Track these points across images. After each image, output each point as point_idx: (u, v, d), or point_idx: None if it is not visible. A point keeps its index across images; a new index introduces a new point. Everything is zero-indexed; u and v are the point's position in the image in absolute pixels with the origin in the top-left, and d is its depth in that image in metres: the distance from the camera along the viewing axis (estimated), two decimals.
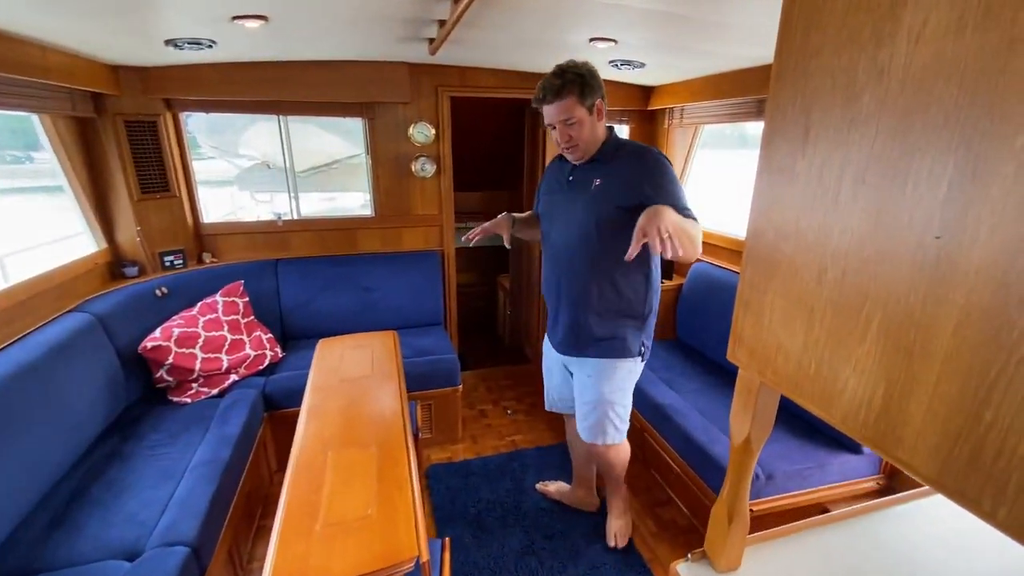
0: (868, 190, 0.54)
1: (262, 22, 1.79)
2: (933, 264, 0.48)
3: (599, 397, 1.80)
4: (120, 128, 2.42)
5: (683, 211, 1.49)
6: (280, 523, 1.25)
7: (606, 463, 2.01)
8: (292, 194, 3.08)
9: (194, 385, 2.38)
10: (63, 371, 1.87)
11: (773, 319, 0.67)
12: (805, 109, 0.60)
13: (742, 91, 2.50)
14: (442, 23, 1.89)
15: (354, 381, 1.95)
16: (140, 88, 2.45)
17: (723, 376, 2.58)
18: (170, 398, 2.34)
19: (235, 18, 1.76)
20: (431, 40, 2.22)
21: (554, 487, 2.42)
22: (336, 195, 4.59)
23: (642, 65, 2.54)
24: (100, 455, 1.93)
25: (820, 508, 2.01)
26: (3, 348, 1.77)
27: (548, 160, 3.15)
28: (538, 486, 2.44)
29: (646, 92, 3.18)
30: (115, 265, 2.55)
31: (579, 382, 1.86)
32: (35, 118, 2.12)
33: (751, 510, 1.86)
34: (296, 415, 2.44)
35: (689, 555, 0.90)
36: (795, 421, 2.16)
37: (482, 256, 6.11)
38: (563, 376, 2.01)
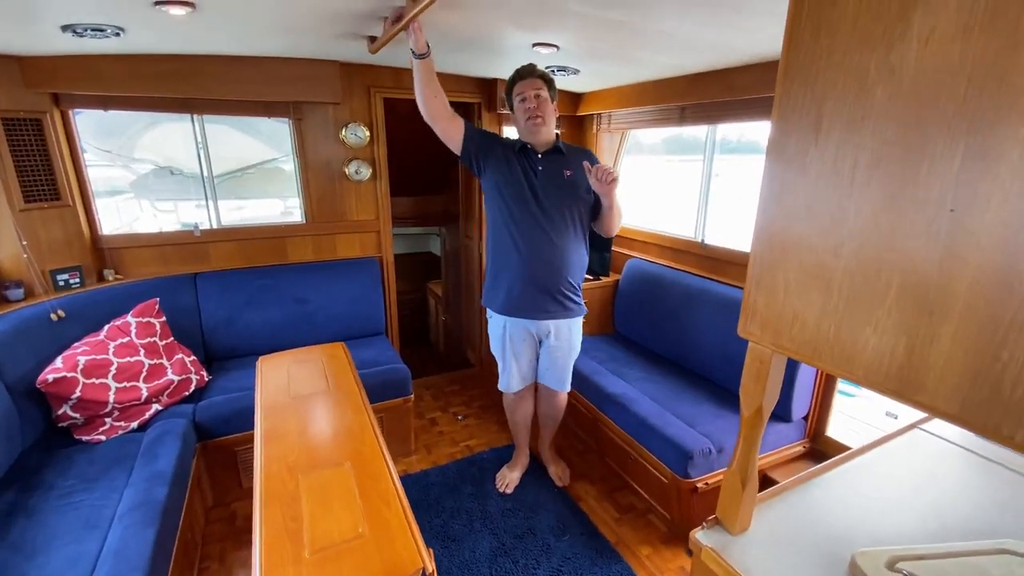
0: (882, 174, 0.62)
1: (188, 9, 1.63)
2: (948, 232, 0.57)
3: (572, 348, 2.21)
4: None
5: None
6: (261, 559, 1.14)
7: (559, 409, 2.41)
8: (210, 202, 2.80)
9: (108, 420, 2.09)
10: None
11: (788, 292, 0.75)
12: (816, 103, 0.68)
13: (666, 98, 2.70)
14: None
15: (308, 398, 1.82)
16: (20, 80, 2.10)
17: (663, 364, 2.76)
18: (78, 437, 2.02)
19: (157, 3, 1.58)
20: (372, 38, 2.14)
21: (512, 474, 2.47)
22: (246, 203, 4.24)
23: (576, 72, 2.65)
24: None
25: (762, 473, 2.23)
26: None
27: None
28: (499, 487, 2.44)
29: (576, 98, 3.32)
30: None
31: (557, 341, 2.17)
32: None
33: (707, 484, 2.02)
34: (233, 443, 2.29)
35: (704, 523, 0.96)
36: (734, 399, 2.37)
37: (411, 264, 5.98)
38: (532, 351, 2.23)
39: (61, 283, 2.32)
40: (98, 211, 2.52)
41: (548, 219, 1.98)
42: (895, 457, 1.18)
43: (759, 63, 2.12)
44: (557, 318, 2.11)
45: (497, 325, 2.18)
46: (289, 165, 3.98)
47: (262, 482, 1.38)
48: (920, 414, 1.36)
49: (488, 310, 2.22)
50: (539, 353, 2.26)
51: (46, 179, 2.25)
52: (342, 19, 1.88)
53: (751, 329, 0.82)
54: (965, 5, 0.53)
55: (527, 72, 2.01)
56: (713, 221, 2.80)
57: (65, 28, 1.77)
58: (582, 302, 2.16)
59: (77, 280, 2.37)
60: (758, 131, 2.77)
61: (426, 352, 5.33)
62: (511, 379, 2.23)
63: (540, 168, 2.00)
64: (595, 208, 2.08)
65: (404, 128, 3.40)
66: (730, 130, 2.79)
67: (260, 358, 2.13)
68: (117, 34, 1.87)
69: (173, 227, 2.88)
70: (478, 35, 2.07)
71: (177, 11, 1.62)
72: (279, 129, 3.73)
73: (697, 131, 2.89)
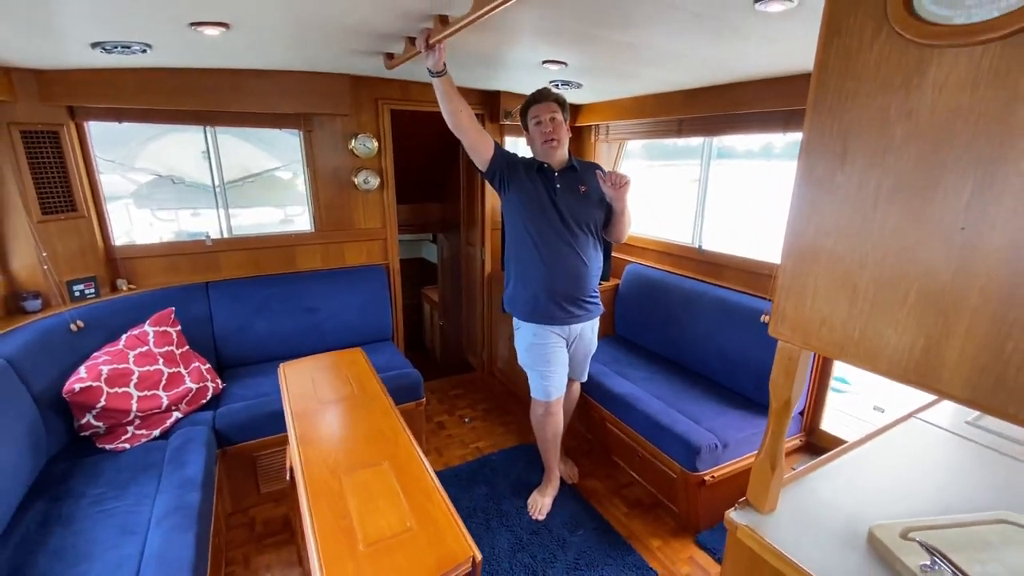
0: (902, 198, 0.73)
1: (222, 29, 1.69)
2: (960, 246, 0.68)
3: (592, 343, 2.40)
4: (16, 139, 2.09)
5: None
6: (317, 553, 1.21)
7: (574, 399, 2.60)
8: (221, 211, 2.84)
9: (129, 428, 2.11)
10: None
11: (816, 298, 0.86)
12: (842, 136, 0.79)
13: (664, 111, 2.84)
14: (412, 40, 1.92)
15: (337, 402, 1.89)
16: (37, 94, 2.13)
17: (664, 364, 2.88)
18: (101, 446, 2.05)
19: (193, 24, 1.64)
20: (389, 55, 2.22)
21: (544, 500, 2.42)
22: (244, 211, 4.26)
23: (579, 86, 2.76)
24: (32, 523, 1.65)
25: None
26: None
27: None
28: (532, 514, 2.36)
29: (575, 109, 3.43)
30: (12, 299, 2.17)
31: (584, 341, 2.34)
32: None
33: (713, 477, 2.14)
34: (251, 448, 2.33)
35: (736, 504, 1.06)
36: (734, 396, 2.51)
37: (404, 270, 6.03)
38: (565, 354, 2.29)
39: (77, 294, 2.33)
40: (110, 221, 2.54)
41: (570, 232, 2.11)
42: (897, 444, 1.31)
43: (755, 80, 2.26)
44: (582, 321, 2.25)
45: (526, 335, 2.24)
46: (287, 174, 4.03)
47: (307, 483, 1.44)
48: (915, 405, 1.50)
49: (516, 320, 2.30)
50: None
51: (62, 191, 2.27)
52: (366, 38, 1.96)
53: (781, 330, 0.93)
54: (973, 62, 0.65)
55: (542, 96, 2.13)
56: (709, 226, 2.94)
57: (95, 45, 1.82)
58: (600, 302, 2.30)
59: (92, 290, 2.38)
60: (749, 139, 2.93)
61: (422, 357, 5.38)
62: (551, 386, 2.26)
63: (558, 186, 2.12)
64: (606, 217, 2.19)
65: (403, 138, 3.48)
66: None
67: (282, 365, 2.18)
68: (144, 51, 1.92)
69: (170, 236, 2.90)
70: (493, 53, 2.17)
71: (211, 31, 1.69)
72: (282, 139, 3.78)
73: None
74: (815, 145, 0.83)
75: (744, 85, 2.32)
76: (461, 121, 1.99)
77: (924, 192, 0.71)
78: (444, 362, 4.91)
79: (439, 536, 1.26)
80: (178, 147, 3.46)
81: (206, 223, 3.92)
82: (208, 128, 2.68)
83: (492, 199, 3.45)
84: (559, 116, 2.12)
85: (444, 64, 1.86)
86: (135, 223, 3.94)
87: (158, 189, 3.68)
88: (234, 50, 2.06)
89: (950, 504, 1.09)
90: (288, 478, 1.97)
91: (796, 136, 2.49)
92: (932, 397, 1.56)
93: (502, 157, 2.12)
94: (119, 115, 2.40)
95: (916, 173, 0.72)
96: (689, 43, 1.81)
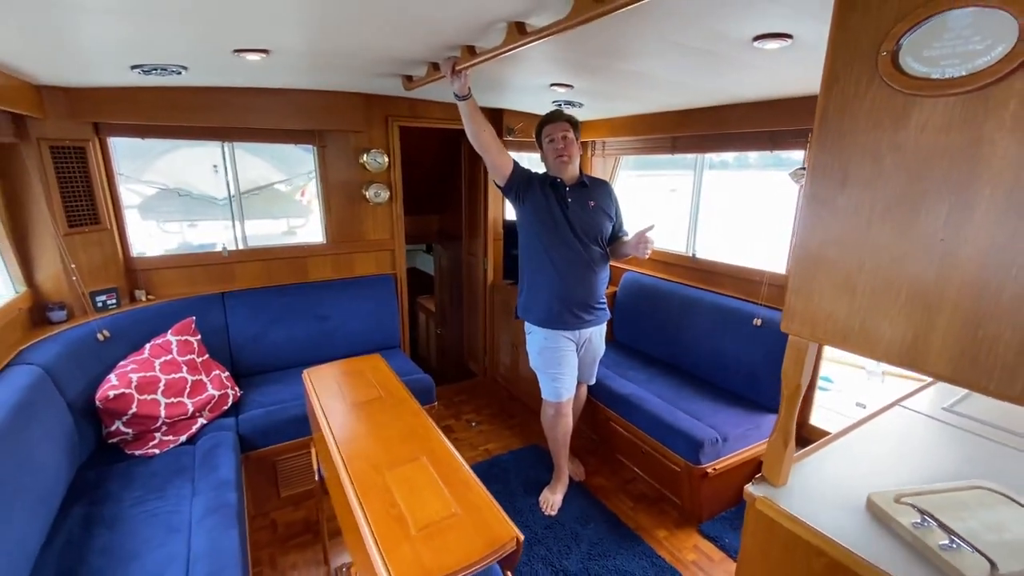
0: (893, 217, 0.90)
1: (263, 55, 1.81)
2: (940, 255, 0.85)
3: (600, 347, 2.56)
4: (46, 154, 2.16)
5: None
6: (374, 537, 1.31)
7: (582, 400, 2.75)
8: (236, 223, 2.91)
9: (157, 435, 2.17)
10: (28, 434, 1.64)
11: (822, 297, 1.02)
12: (842, 165, 0.96)
13: (658, 130, 3.04)
14: (435, 65, 2.06)
15: (366, 404, 1.98)
16: (66, 111, 2.20)
17: (662, 367, 3.05)
18: (130, 452, 2.10)
19: (237, 51, 1.76)
20: (408, 77, 2.36)
21: (555, 496, 2.55)
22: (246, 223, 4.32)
23: (580, 105, 2.95)
24: (74, 525, 1.71)
25: (756, 462, 2.53)
26: None
27: (488, 185, 3.47)
28: (544, 510, 2.50)
29: None
30: (38, 309, 2.22)
31: (593, 344, 2.51)
32: None
33: (715, 469, 2.30)
34: (272, 453, 2.41)
35: (752, 480, 1.22)
36: (729, 395, 2.68)
37: None
38: (575, 357, 2.44)
39: (100, 304, 2.39)
40: (129, 233, 2.60)
41: (581, 243, 2.27)
42: (885, 428, 1.48)
43: (745, 103, 2.47)
44: (592, 326, 2.41)
45: (538, 339, 2.39)
46: (289, 187, 4.12)
47: (352, 478, 1.54)
48: (899, 394, 1.68)
49: (527, 325, 2.44)
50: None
51: (87, 204, 2.33)
52: (393, 63, 2.10)
53: (792, 326, 1.09)
54: (947, 109, 0.82)
55: (555, 117, 2.31)
56: (702, 235, 3.14)
57: (135, 67, 1.91)
58: (607, 308, 2.48)
59: (114, 301, 2.44)
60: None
61: (420, 365, 5.46)
62: (561, 387, 2.40)
63: (570, 200, 2.27)
64: (613, 233, 2.37)
65: (406, 153, 3.60)
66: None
67: (306, 371, 2.26)
68: (179, 72, 2.02)
69: (174, 247, 2.97)
70: (505, 76, 2.33)
71: (253, 57, 1.81)
72: (288, 153, 3.88)
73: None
74: (819, 172, 1.00)
75: (735, 107, 2.53)
76: (484, 140, 2.14)
77: (910, 211, 0.88)
78: (441, 370, 5.00)
79: (483, 519, 1.38)
80: (187, 161, 3.53)
81: (209, 235, 3.99)
82: (225, 144, 2.75)
83: (495, 211, 3.60)
84: (570, 135, 2.28)
85: (469, 88, 2.01)
86: (140, 235, 3.98)
87: (164, 201, 3.74)
88: (264, 72, 2.17)
89: (933, 475, 1.26)
90: (317, 478, 2.06)
91: (782, 153, 2.71)
92: (913, 387, 1.75)
93: (520, 174, 2.27)
94: (142, 131, 2.49)
95: (903, 196, 0.89)
96: (690, 73, 2.00)
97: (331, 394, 2.08)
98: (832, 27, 0.95)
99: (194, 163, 3.55)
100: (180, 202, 3.75)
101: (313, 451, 2.20)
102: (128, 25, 1.46)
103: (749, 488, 1.19)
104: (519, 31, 1.48)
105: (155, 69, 1.94)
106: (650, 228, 2.18)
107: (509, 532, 1.34)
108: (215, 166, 3.37)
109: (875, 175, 0.92)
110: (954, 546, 0.98)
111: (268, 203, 4.02)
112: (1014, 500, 1.11)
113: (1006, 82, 0.76)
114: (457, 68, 1.88)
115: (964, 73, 0.80)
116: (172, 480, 1.96)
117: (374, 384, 2.15)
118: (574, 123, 2.31)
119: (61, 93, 2.18)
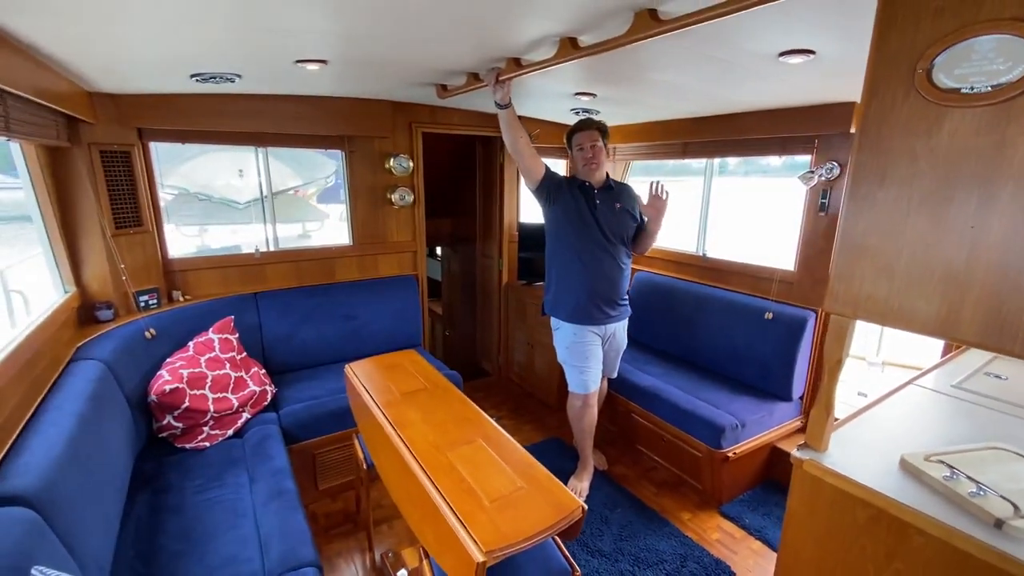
0: (928, 210, 1.06)
1: (321, 65, 1.93)
2: (970, 240, 1.01)
3: (624, 340, 2.69)
4: (96, 159, 2.23)
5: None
6: (452, 508, 1.42)
7: (603, 392, 2.88)
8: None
9: (205, 429, 2.25)
10: (102, 424, 1.71)
11: (864, 281, 1.18)
12: (881, 166, 1.12)
13: (670, 136, 3.21)
14: (475, 75, 2.20)
15: (415, 393, 2.09)
16: (114, 117, 2.28)
17: (677, 362, 3.20)
18: (180, 446, 2.18)
19: (298, 61, 1.87)
20: (443, 87, 2.49)
21: (582, 484, 2.68)
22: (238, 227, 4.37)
23: (597, 112, 3.10)
24: (141, 512, 1.78)
25: (770, 447, 2.69)
26: (42, 403, 1.58)
27: (504, 189, 3.61)
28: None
29: None
30: (86, 309, 2.28)
31: (617, 338, 2.65)
32: (16, 146, 1.90)
33: (735, 453, 2.45)
34: (312, 446, 2.50)
35: (797, 447, 1.36)
36: (743, 385, 2.85)
37: None
38: (601, 350, 2.57)
39: (143, 304, 2.46)
40: (167, 235, 2.67)
41: (609, 243, 2.43)
42: (903, 403, 1.65)
43: (758, 111, 2.65)
44: (616, 321, 2.55)
45: (567, 334, 2.52)
46: (306, 191, 4.19)
47: (419, 458, 1.65)
48: (915, 370, 1.86)
49: (554, 320, 2.57)
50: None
51: (131, 207, 2.41)
52: (433, 73, 2.23)
53: (835, 307, 1.24)
54: (975, 118, 0.98)
55: (585, 125, 2.45)
56: (711, 235, 3.32)
57: (193, 75, 2.01)
58: (629, 304, 2.62)
59: (155, 301, 2.51)
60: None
61: None
62: (588, 380, 2.53)
63: (598, 202, 2.42)
64: (637, 231, 2.52)
65: (426, 155, 3.73)
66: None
67: (347, 365, 2.35)
68: (231, 80, 2.13)
69: (192, 251, 3.04)
70: (535, 84, 2.47)
71: (313, 67, 1.92)
72: (309, 158, 3.98)
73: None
74: (861, 172, 1.16)
75: (747, 114, 2.71)
76: (520, 146, 2.28)
77: (943, 204, 1.04)
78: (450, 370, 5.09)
79: (548, 492, 1.50)
80: (211, 167, 3.61)
81: (222, 239, 4.05)
82: (259, 149, 2.84)
83: (510, 214, 3.74)
84: (599, 143, 2.43)
85: (510, 97, 2.15)
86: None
87: (184, 205, 3.81)
88: (311, 80, 2.28)
89: (951, 439, 1.42)
90: (365, 466, 2.15)
91: (790, 158, 2.90)
92: (910, 376, 1.93)
93: (550, 178, 2.42)
94: (183, 136, 2.57)
95: (937, 191, 1.05)
96: (713, 83, 2.17)
97: (378, 386, 2.18)
98: (872, 48, 1.11)
99: (218, 169, 3.63)
100: (200, 206, 3.83)
101: (355, 442, 2.30)
102: (203, 35, 1.56)
103: (796, 453, 1.34)
104: (572, 46, 1.62)
105: (212, 77, 2.04)
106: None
107: (574, 502, 1.46)
108: (240, 171, 3.45)
109: (911, 174, 1.08)
110: (981, 493, 1.14)
111: (289, 207, 4.11)
112: None
113: None
114: (501, 79, 2.02)
115: (989, 88, 0.97)
116: (228, 470, 2.04)
117: (416, 376, 2.25)
118: (603, 130, 2.46)
119: (109, 99, 2.26)
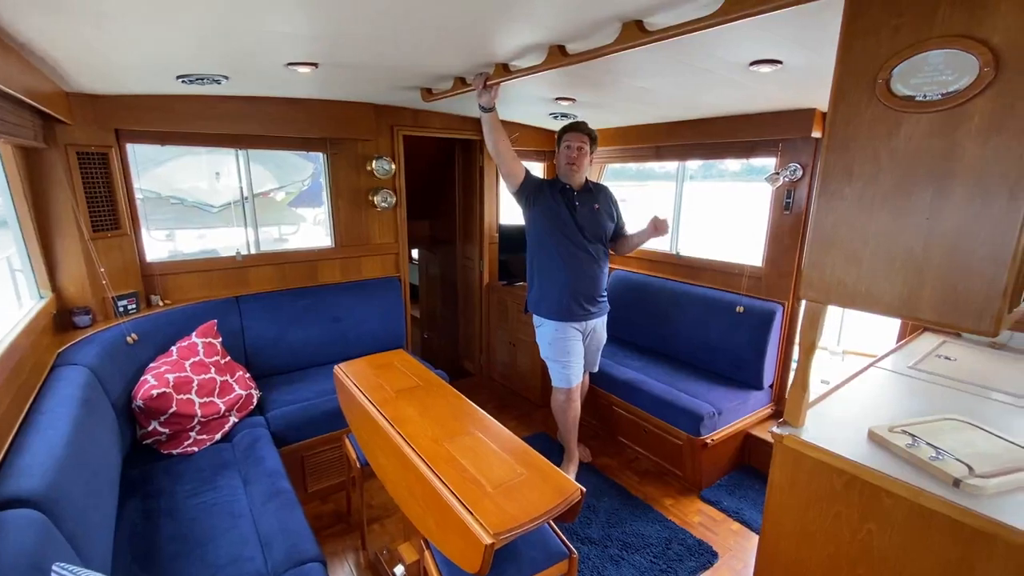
0: (889, 203, 1.19)
1: (313, 68, 1.95)
2: (927, 229, 1.14)
3: (603, 337, 2.80)
4: (73, 160, 2.18)
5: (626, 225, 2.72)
6: (457, 496, 1.47)
7: (586, 387, 3.00)
8: (249, 229, 2.96)
9: (192, 433, 2.22)
10: (93, 428, 1.68)
11: (834, 269, 1.30)
12: (847, 165, 1.24)
13: (644, 140, 3.36)
14: (462, 80, 2.26)
15: (409, 391, 2.12)
16: (92, 118, 2.23)
17: (654, 355, 3.33)
18: (166, 452, 2.14)
19: (289, 64, 1.89)
20: (427, 90, 2.55)
21: (569, 475, 2.77)
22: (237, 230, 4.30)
23: (575, 118, 3.21)
24: (134, 517, 1.76)
25: (744, 433, 2.85)
26: (32, 407, 1.55)
27: (484, 192, 3.68)
28: None
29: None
30: (63, 314, 2.22)
31: (598, 333, 2.76)
32: None
33: (713, 440, 2.59)
34: (301, 448, 2.49)
35: (776, 424, 1.48)
36: (717, 376, 2.99)
37: None
38: (582, 346, 2.66)
39: (121, 309, 2.40)
40: (144, 239, 2.62)
41: (588, 242, 2.53)
42: (866, 383, 1.81)
43: (726, 116, 2.81)
44: (596, 317, 2.64)
45: (548, 331, 2.60)
46: (280, 195, 4.15)
47: (420, 451, 1.69)
48: (872, 357, 2.03)
49: (537, 318, 2.65)
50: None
51: (108, 210, 2.35)
52: (421, 76, 2.27)
53: (808, 294, 1.36)
54: (928, 123, 1.11)
55: (578, 127, 2.55)
56: (684, 235, 3.47)
57: (179, 77, 2.00)
58: (607, 301, 2.73)
59: (134, 306, 2.46)
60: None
61: None
62: (571, 374, 2.62)
63: (577, 203, 2.52)
64: (615, 232, 2.64)
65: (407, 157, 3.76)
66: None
67: (337, 366, 2.36)
68: (217, 81, 2.12)
69: (165, 255, 2.99)
70: (516, 89, 2.55)
71: (304, 70, 1.94)
72: (287, 160, 3.94)
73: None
74: (830, 171, 1.28)
75: (716, 119, 2.87)
76: (501, 150, 2.35)
77: (903, 198, 1.17)
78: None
79: (548, 477, 1.57)
80: (185, 170, 3.54)
81: (197, 243, 3.96)
82: (239, 151, 2.82)
83: (490, 216, 3.81)
84: (586, 147, 2.53)
85: (495, 102, 2.22)
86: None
87: (156, 209, 3.72)
88: (297, 83, 2.29)
89: (911, 413, 1.57)
90: (359, 465, 2.17)
91: (757, 160, 3.08)
92: (882, 352, 2.10)
93: (531, 180, 2.50)
94: (163, 138, 2.53)
95: (897, 187, 1.18)
96: (687, 89, 2.30)
97: (371, 385, 2.20)
98: (838, 60, 1.24)
99: (193, 171, 3.56)
100: (171, 210, 3.74)
101: (347, 442, 2.31)
102: (195, 37, 1.57)
103: (775, 430, 1.46)
104: (561, 53, 1.71)
105: (200, 79, 2.03)
106: (660, 215, 2.53)
107: (573, 485, 1.54)
108: (217, 173, 3.40)
109: (875, 172, 1.21)
110: (940, 457, 1.28)
111: (263, 210, 4.05)
112: (976, 426, 1.43)
113: (971, 103, 1.06)
114: (488, 83, 2.09)
115: (940, 96, 1.10)
116: (220, 473, 2.02)
117: (408, 374, 2.29)
118: (593, 138, 2.56)
119: (88, 100, 2.21)
